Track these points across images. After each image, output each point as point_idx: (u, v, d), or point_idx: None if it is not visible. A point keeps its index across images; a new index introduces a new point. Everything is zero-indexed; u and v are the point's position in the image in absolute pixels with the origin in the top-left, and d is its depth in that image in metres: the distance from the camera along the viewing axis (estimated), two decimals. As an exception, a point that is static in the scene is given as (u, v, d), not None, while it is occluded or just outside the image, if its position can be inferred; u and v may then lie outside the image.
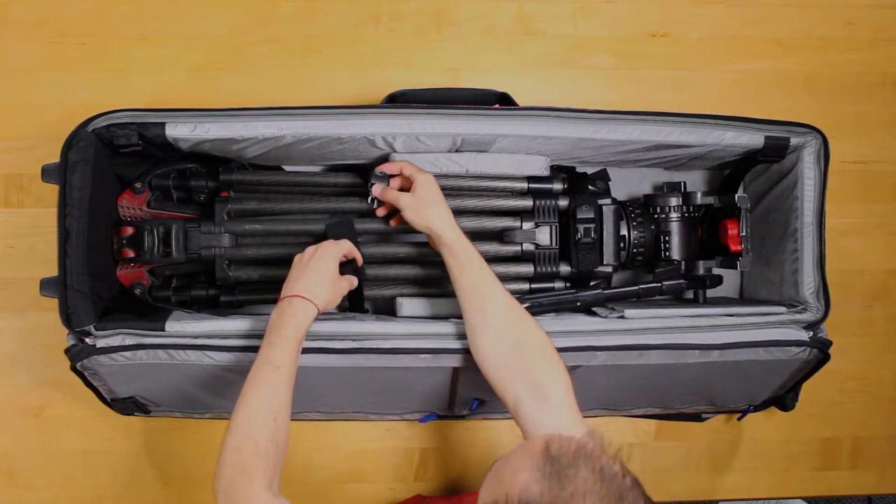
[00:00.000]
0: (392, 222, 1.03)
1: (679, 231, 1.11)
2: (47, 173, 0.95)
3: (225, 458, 0.80)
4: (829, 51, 1.27)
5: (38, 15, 1.17)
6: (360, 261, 0.99)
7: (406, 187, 0.99)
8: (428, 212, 0.95)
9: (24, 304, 1.15)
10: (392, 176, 1.01)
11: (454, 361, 0.97)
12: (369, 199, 1.03)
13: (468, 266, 0.93)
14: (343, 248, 0.95)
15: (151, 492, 1.18)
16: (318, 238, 0.99)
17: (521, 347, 0.88)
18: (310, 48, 1.20)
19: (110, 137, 0.95)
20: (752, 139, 1.04)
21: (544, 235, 1.07)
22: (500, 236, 1.08)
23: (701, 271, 1.10)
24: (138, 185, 1.04)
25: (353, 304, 1.04)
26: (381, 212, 1.03)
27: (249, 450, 0.80)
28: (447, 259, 0.94)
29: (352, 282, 0.97)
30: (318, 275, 0.91)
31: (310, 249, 0.94)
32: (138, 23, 1.19)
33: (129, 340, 0.94)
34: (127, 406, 1.07)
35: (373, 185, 1.01)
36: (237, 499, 0.77)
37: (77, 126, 0.94)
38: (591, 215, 1.06)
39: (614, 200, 1.09)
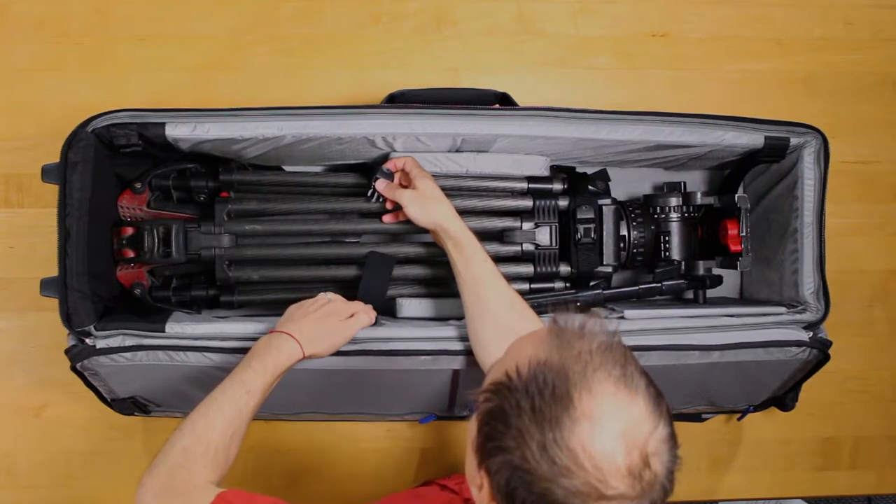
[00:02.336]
0: (390, 217, 1.03)
1: (679, 231, 1.11)
2: (47, 173, 0.95)
3: (167, 456, 0.78)
4: (829, 51, 1.27)
5: (38, 15, 1.17)
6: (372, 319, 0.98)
7: (406, 185, 0.99)
8: (432, 207, 0.95)
9: (24, 304, 1.15)
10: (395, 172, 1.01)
11: (454, 364, 0.97)
12: (369, 192, 1.02)
13: (472, 258, 0.93)
14: (354, 306, 0.94)
15: (151, 492, 1.18)
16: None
17: None
18: (310, 48, 1.20)
19: (110, 137, 0.95)
20: (752, 139, 1.04)
21: (544, 235, 1.07)
22: (500, 236, 1.08)
23: (701, 271, 1.10)
24: (138, 185, 1.04)
25: None
26: (389, 205, 1.02)
27: (199, 451, 0.79)
28: (451, 253, 0.94)
29: (351, 331, 0.94)
30: (317, 326, 0.91)
31: (322, 299, 0.94)
32: (138, 23, 1.18)
33: (129, 341, 0.94)
34: (127, 406, 1.07)
35: (377, 179, 1.00)
36: (178, 490, 0.76)
37: (77, 126, 0.93)
38: (591, 215, 1.06)
39: (614, 200, 1.09)
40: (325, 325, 0.91)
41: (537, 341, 0.62)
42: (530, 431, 0.56)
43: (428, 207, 0.95)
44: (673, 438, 0.58)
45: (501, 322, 0.91)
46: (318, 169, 1.13)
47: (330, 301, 0.95)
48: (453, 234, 0.94)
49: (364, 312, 0.95)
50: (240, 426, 0.83)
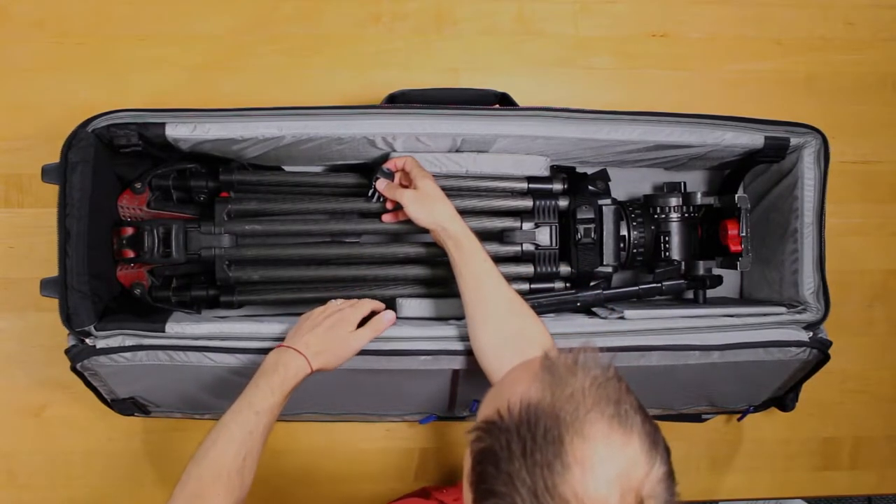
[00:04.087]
0: (390, 217, 1.03)
1: (679, 231, 1.10)
2: (47, 173, 0.95)
3: (184, 486, 0.79)
4: (829, 51, 1.27)
5: (38, 15, 1.17)
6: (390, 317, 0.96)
7: (407, 185, 0.99)
8: (433, 206, 0.95)
9: (24, 304, 1.15)
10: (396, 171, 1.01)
11: (454, 363, 0.97)
12: (370, 192, 1.02)
13: (472, 258, 0.93)
14: (363, 310, 0.94)
15: (151, 492, 1.18)
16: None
17: (520, 340, 0.89)
18: (310, 48, 1.20)
19: (110, 137, 0.95)
20: (752, 139, 1.04)
21: (544, 236, 1.07)
22: (500, 236, 1.08)
23: (701, 271, 1.10)
24: (138, 185, 1.04)
25: None
26: (389, 205, 1.02)
27: (210, 478, 0.79)
28: (452, 252, 0.94)
29: (365, 337, 0.93)
30: (325, 338, 0.90)
31: (332, 305, 0.93)
32: (138, 23, 1.18)
33: (129, 341, 0.94)
34: (127, 406, 1.07)
35: (377, 179, 1.00)
36: None
37: (77, 126, 0.93)
38: (591, 215, 1.06)
39: (614, 200, 1.09)
40: (333, 337, 0.90)
41: (530, 377, 0.60)
42: (521, 476, 0.55)
43: (429, 207, 0.95)
44: (670, 476, 0.57)
45: (501, 324, 0.91)
46: (318, 169, 1.13)
47: (340, 309, 0.93)
48: (454, 233, 0.94)
49: (373, 326, 0.93)
50: (252, 448, 0.82)
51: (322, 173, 1.11)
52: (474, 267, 0.93)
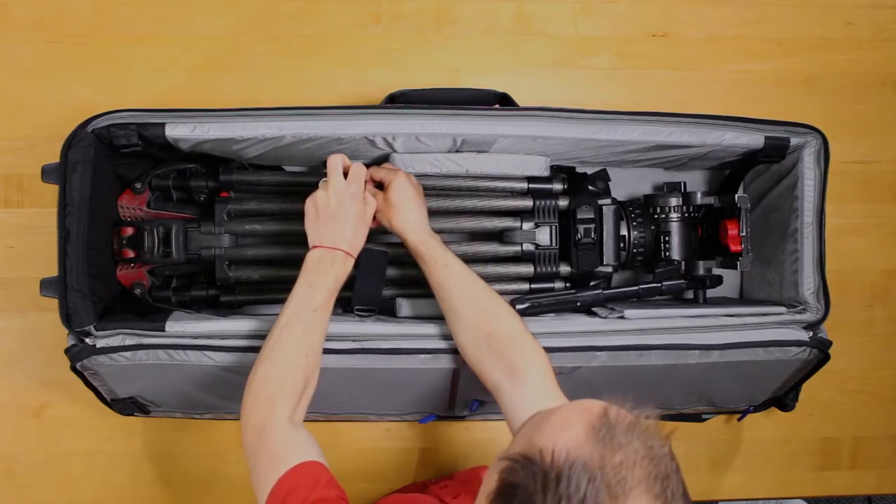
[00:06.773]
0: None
1: (679, 231, 1.11)
2: (47, 173, 0.95)
3: (252, 387, 0.84)
4: (829, 51, 1.27)
5: (38, 15, 1.17)
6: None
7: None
8: (397, 216, 0.95)
9: (24, 304, 1.15)
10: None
11: (453, 362, 0.98)
12: None
13: (433, 266, 0.94)
14: (359, 179, 0.93)
15: (151, 492, 1.18)
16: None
17: (492, 339, 0.90)
18: (310, 48, 1.20)
19: (110, 137, 0.95)
20: (752, 139, 1.04)
21: (544, 235, 1.07)
22: (500, 236, 1.08)
23: (701, 271, 1.10)
24: (138, 185, 1.04)
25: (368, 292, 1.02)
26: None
27: (277, 380, 0.83)
28: (417, 262, 0.96)
29: (371, 213, 0.95)
30: (351, 223, 0.91)
31: (320, 197, 0.91)
32: (138, 23, 1.18)
33: (129, 341, 0.94)
34: (127, 406, 1.07)
35: None
36: (260, 427, 0.81)
37: (77, 126, 0.94)
38: (591, 215, 1.06)
39: (614, 200, 1.09)
40: (356, 216, 0.91)
41: (584, 428, 0.57)
42: None
43: (391, 215, 0.95)
44: None
45: (474, 328, 0.92)
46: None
47: (332, 199, 0.91)
48: (411, 243, 0.95)
49: (361, 190, 0.93)
50: (312, 345, 0.86)
51: (322, 173, 1.11)
52: (437, 275, 0.94)
